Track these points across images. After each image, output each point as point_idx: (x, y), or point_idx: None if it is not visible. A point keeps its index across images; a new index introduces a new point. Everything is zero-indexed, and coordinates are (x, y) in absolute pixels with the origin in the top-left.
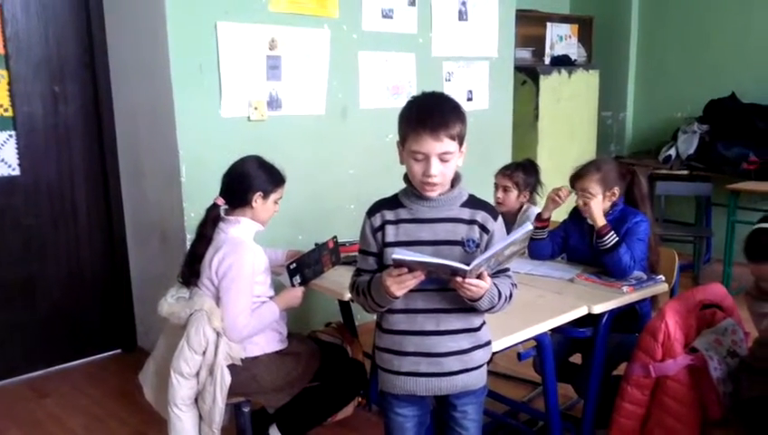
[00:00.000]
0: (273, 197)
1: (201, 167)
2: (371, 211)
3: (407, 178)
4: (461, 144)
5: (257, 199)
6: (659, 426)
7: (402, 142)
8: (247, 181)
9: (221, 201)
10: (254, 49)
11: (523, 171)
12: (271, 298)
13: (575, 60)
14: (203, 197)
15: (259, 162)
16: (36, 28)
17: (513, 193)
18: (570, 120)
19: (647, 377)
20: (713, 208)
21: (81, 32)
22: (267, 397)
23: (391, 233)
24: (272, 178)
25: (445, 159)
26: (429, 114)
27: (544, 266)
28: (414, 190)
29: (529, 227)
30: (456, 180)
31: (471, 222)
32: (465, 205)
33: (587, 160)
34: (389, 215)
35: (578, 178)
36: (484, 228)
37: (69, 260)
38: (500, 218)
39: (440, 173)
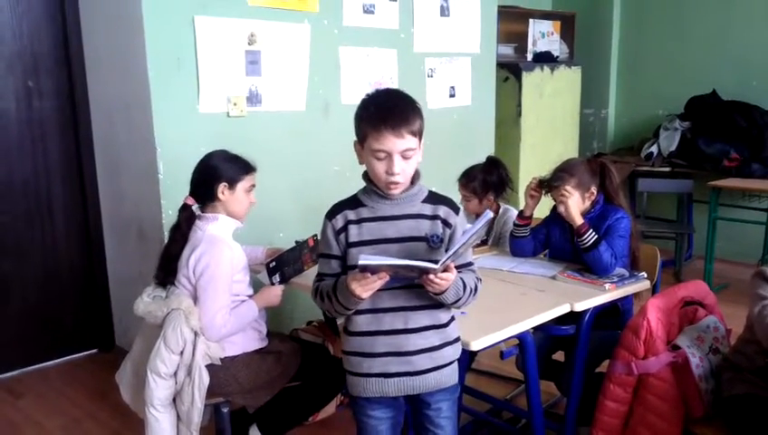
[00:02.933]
0: (240, 186)
1: (179, 163)
2: (331, 213)
3: (366, 176)
4: (420, 140)
5: (223, 191)
6: (642, 423)
7: (361, 142)
8: (211, 174)
9: (191, 201)
10: (232, 44)
11: (483, 172)
12: (250, 297)
13: (557, 56)
14: (181, 193)
15: (223, 155)
16: (9, 22)
17: (474, 201)
18: (552, 117)
19: (629, 375)
20: (694, 205)
21: (55, 26)
22: (247, 397)
23: (354, 233)
24: (236, 167)
25: (407, 156)
26: (389, 112)
27: (527, 264)
28: (375, 189)
29: (490, 214)
30: (415, 177)
31: (433, 217)
32: (426, 201)
33: (556, 167)
34: (351, 215)
35: (553, 188)
36: (446, 223)
37: (44, 258)
38: (461, 212)
39: (402, 171)
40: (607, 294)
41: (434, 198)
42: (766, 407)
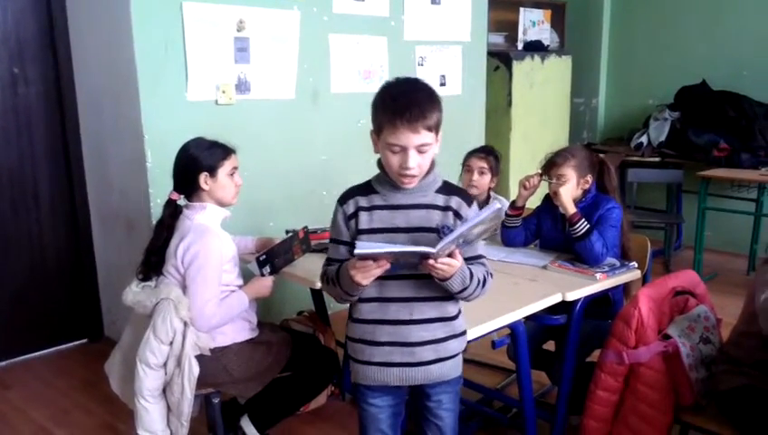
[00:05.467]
0: (221, 172)
1: (167, 151)
2: (343, 198)
3: (380, 164)
4: (437, 133)
5: (206, 181)
6: (633, 412)
7: (377, 132)
8: (190, 166)
9: (175, 196)
10: (221, 30)
11: (493, 156)
12: (240, 287)
13: (548, 45)
14: (169, 182)
15: (197, 143)
16: None
17: (487, 177)
18: (543, 107)
19: (620, 364)
20: (684, 195)
21: (40, 12)
22: (238, 387)
23: (365, 220)
24: (214, 153)
25: (422, 151)
26: (407, 105)
27: (518, 254)
28: (388, 178)
29: (497, 205)
30: (431, 167)
31: (446, 208)
32: (439, 191)
33: (559, 148)
34: (363, 201)
35: (553, 165)
36: (458, 214)
37: (31, 248)
38: (474, 205)
39: (418, 165)
40: (598, 283)
41: (447, 189)
42: (766, 399)
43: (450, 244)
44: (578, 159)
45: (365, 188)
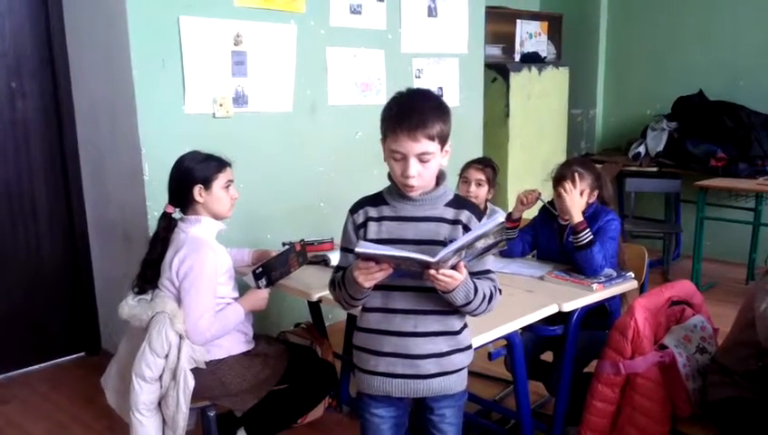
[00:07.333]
0: (216, 185)
1: (164, 165)
2: (355, 208)
3: (390, 175)
4: (443, 144)
5: (200, 193)
6: (630, 423)
7: (383, 140)
8: (184, 178)
9: (170, 209)
10: (218, 44)
11: (491, 167)
12: (235, 300)
13: (545, 57)
14: (166, 195)
15: (192, 156)
16: None
17: (485, 188)
18: (540, 118)
19: (617, 375)
20: (682, 205)
21: (39, 26)
22: (234, 400)
23: (373, 230)
24: (208, 166)
25: (424, 160)
26: (408, 114)
27: (514, 264)
28: (397, 189)
29: (501, 218)
30: (440, 179)
31: (455, 222)
32: (449, 204)
33: (563, 161)
34: (372, 212)
35: (567, 174)
36: (467, 229)
37: (29, 261)
38: (484, 219)
39: (418, 174)
40: (595, 294)
41: (458, 202)
42: (756, 411)
43: (451, 254)
44: (593, 175)
45: (376, 199)
